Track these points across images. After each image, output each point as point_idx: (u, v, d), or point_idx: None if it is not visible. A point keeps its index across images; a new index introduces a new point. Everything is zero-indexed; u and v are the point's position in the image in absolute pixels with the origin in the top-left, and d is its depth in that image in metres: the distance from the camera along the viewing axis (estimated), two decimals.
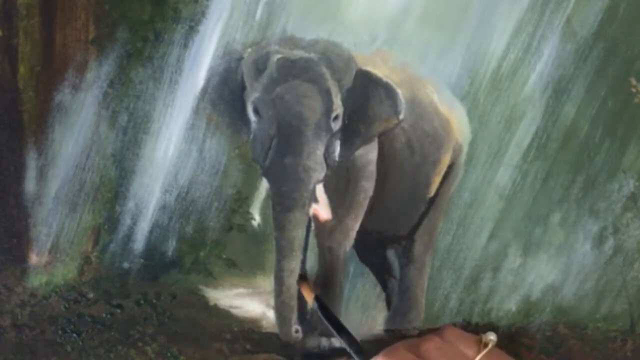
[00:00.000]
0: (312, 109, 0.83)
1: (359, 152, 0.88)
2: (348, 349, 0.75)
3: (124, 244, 0.89)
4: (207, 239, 0.90)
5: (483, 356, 0.52)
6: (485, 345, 0.52)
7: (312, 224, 0.90)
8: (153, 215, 0.89)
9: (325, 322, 0.81)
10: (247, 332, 0.91)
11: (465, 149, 0.90)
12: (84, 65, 0.85)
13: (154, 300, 0.90)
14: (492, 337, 0.53)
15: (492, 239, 0.92)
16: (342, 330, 0.80)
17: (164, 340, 0.90)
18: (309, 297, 0.85)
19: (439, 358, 0.52)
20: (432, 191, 0.93)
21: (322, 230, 0.90)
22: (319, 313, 0.83)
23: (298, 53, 0.84)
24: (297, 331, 0.89)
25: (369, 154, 0.89)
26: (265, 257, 0.90)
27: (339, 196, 0.89)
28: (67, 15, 0.85)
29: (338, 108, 0.85)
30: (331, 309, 0.85)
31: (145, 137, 0.87)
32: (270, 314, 0.90)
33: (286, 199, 0.84)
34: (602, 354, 0.93)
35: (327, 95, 0.84)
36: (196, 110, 0.86)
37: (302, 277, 0.88)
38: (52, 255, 0.89)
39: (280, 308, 0.88)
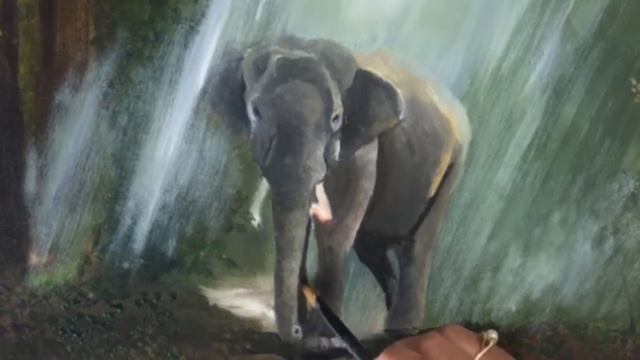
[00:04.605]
0: (312, 109, 0.83)
1: (359, 152, 0.88)
2: (350, 351, 0.75)
3: (124, 244, 0.89)
4: (207, 239, 0.90)
5: (484, 354, 0.52)
6: (487, 343, 0.52)
7: (312, 224, 0.90)
8: (153, 215, 0.89)
9: (328, 323, 0.81)
10: (247, 332, 0.91)
11: (465, 149, 0.90)
12: (84, 65, 0.85)
13: (154, 300, 0.90)
14: (493, 335, 0.53)
15: (492, 239, 0.92)
16: (344, 332, 0.80)
17: (164, 340, 0.90)
18: (312, 299, 0.86)
19: (439, 356, 0.52)
20: (432, 191, 0.93)
21: (322, 230, 0.90)
22: (321, 314, 0.83)
23: (298, 53, 0.84)
24: (297, 331, 0.89)
25: (369, 154, 0.89)
26: (265, 257, 0.90)
27: (339, 196, 0.89)
28: (67, 15, 0.85)
29: (338, 108, 0.85)
30: (333, 310, 0.85)
31: (145, 137, 0.87)
32: (270, 314, 0.90)
33: (286, 199, 0.84)
34: (602, 354, 0.93)
35: (327, 95, 0.84)
36: (196, 110, 0.86)
37: (303, 280, 0.88)
38: (52, 255, 0.89)
39: (280, 308, 0.88)
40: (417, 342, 0.53)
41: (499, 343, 0.64)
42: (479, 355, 0.51)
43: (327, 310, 0.84)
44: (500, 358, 0.54)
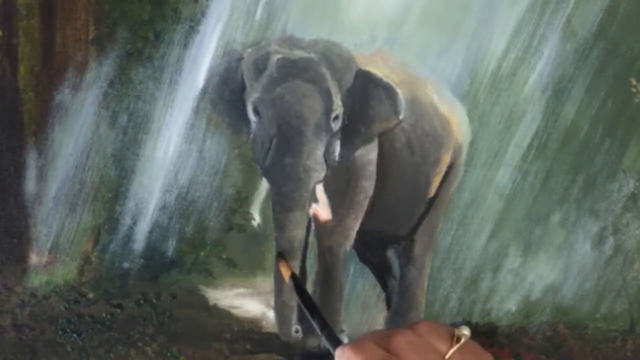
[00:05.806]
0: (312, 109, 0.83)
1: (359, 152, 0.88)
2: (319, 333, 0.74)
3: (124, 244, 0.89)
4: (207, 239, 0.90)
5: (455, 351, 0.51)
6: (458, 339, 0.51)
7: (312, 224, 0.90)
8: (153, 215, 0.89)
9: (300, 302, 0.80)
10: (247, 332, 0.91)
11: (465, 149, 0.90)
12: (84, 65, 0.85)
13: (154, 300, 0.90)
14: (465, 331, 0.52)
15: (492, 239, 0.92)
16: (315, 313, 0.78)
17: (164, 340, 0.90)
18: (286, 275, 0.84)
19: (410, 353, 0.51)
20: (432, 191, 0.93)
21: (322, 230, 0.90)
22: (295, 292, 0.82)
23: (298, 53, 0.84)
24: (297, 331, 0.89)
25: (369, 154, 0.89)
26: (265, 257, 0.90)
27: (339, 196, 0.89)
28: (67, 15, 0.85)
29: (338, 108, 0.85)
30: (307, 289, 0.83)
31: (145, 137, 0.87)
32: (270, 314, 0.90)
33: (286, 199, 0.84)
34: (602, 354, 0.93)
35: (327, 95, 0.84)
36: (196, 110, 0.86)
37: (280, 255, 0.87)
38: (52, 255, 0.89)
39: (280, 308, 0.88)
40: (387, 338, 0.52)
41: (482, 342, 0.63)
42: (451, 352, 0.50)
43: (301, 289, 0.82)
44: (473, 354, 0.53)
